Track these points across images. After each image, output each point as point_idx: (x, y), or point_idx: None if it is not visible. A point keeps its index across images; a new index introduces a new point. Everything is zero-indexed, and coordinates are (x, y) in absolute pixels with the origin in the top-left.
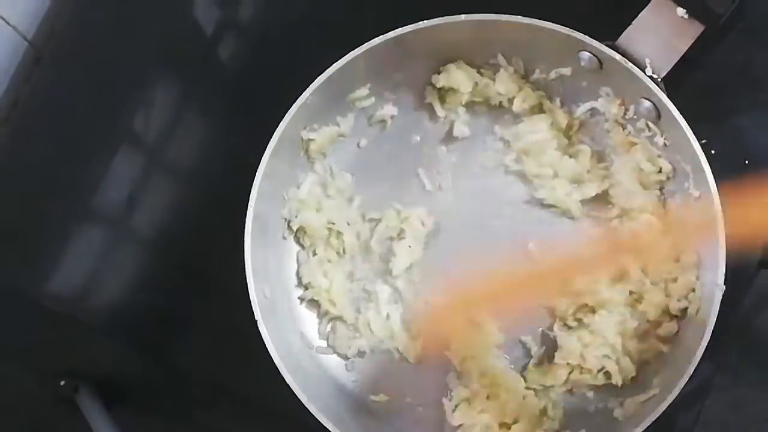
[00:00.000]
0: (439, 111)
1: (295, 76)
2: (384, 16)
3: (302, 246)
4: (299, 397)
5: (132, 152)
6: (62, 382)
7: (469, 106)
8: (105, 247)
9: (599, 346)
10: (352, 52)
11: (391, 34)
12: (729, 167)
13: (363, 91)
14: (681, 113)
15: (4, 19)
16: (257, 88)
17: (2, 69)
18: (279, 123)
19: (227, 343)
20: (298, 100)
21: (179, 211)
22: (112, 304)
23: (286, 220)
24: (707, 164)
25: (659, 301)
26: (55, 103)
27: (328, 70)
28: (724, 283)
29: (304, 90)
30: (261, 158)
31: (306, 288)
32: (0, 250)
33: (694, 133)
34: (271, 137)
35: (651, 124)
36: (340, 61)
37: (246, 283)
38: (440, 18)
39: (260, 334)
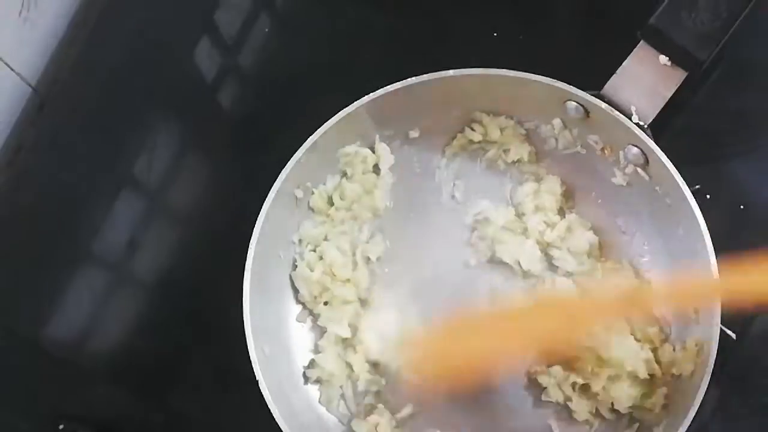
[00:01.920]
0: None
1: (296, 122)
2: (382, 65)
3: (302, 304)
4: None
5: (133, 197)
6: (61, 426)
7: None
8: (105, 291)
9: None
10: (332, 118)
11: (380, 91)
12: (724, 212)
13: (352, 148)
14: (675, 158)
15: (8, 65)
16: (258, 133)
17: (6, 114)
18: (280, 169)
19: (227, 388)
20: (290, 160)
21: (180, 256)
22: (112, 348)
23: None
24: (697, 207)
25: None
26: (57, 149)
27: (317, 130)
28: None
29: (305, 137)
30: (262, 202)
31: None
32: (0, 294)
33: (688, 178)
34: (271, 181)
35: (640, 170)
36: (325, 124)
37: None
38: (428, 74)
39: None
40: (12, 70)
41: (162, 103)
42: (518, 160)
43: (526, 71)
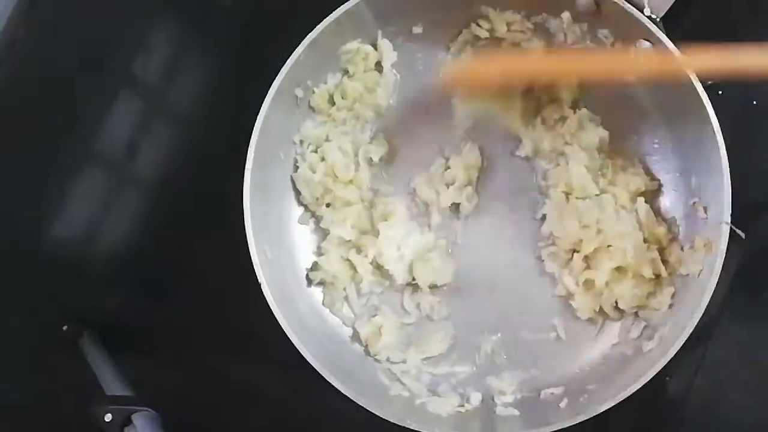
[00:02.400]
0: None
1: (296, 19)
2: None
3: (305, 206)
4: (305, 356)
5: (132, 96)
6: (65, 327)
7: None
8: (106, 193)
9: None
10: (331, 14)
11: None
12: (736, 109)
13: (353, 45)
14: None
15: None
16: (258, 30)
17: None
18: (280, 67)
19: (230, 288)
20: (289, 58)
21: (180, 156)
22: (114, 248)
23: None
24: (708, 102)
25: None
26: (52, 46)
27: (316, 27)
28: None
29: (305, 33)
30: (262, 101)
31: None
32: (1, 196)
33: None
34: (271, 80)
35: None
36: (325, 20)
37: (246, 234)
38: None
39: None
40: None
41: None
42: None
43: None
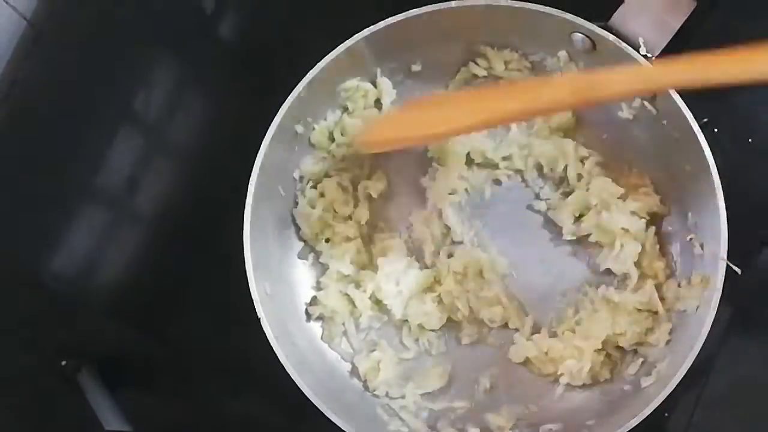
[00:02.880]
0: None
1: (296, 56)
2: None
3: (304, 241)
4: (304, 391)
5: (132, 131)
6: (64, 362)
7: None
8: (106, 227)
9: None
10: (332, 52)
11: (381, 24)
12: (732, 147)
13: (353, 82)
14: (682, 91)
15: None
16: (258, 67)
17: (1, 48)
18: (281, 104)
19: (227, 322)
20: (290, 95)
21: (180, 191)
22: (114, 283)
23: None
24: (704, 141)
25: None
26: (54, 83)
27: (317, 65)
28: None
29: (305, 71)
30: (262, 137)
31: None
32: (1, 229)
33: (696, 111)
34: (271, 116)
35: (647, 103)
36: (325, 58)
37: (246, 269)
38: (429, 6)
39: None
40: (7, 3)
41: (160, 35)
42: None
43: (531, 2)
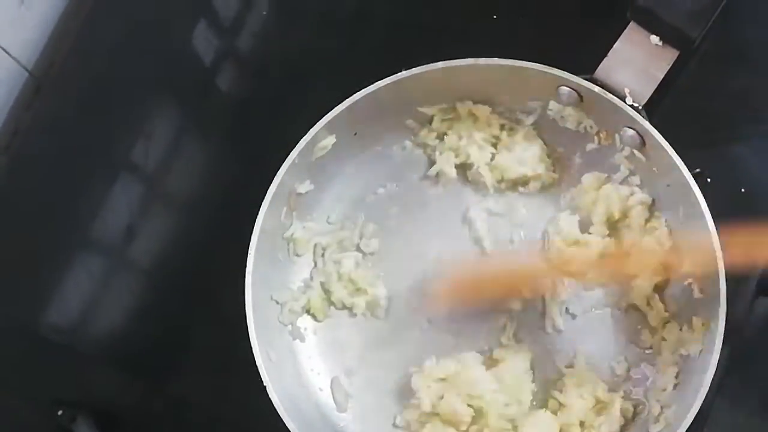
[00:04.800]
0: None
1: (293, 106)
2: (381, 51)
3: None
4: None
5: (131, 181)
6: (60, 412)
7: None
8: (103, 276)
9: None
10: (323, 118)
11: (371, 88)
12: (725, 196)
13: (330, 140)
14: (674, 141)
15: (4, 49)
16: (257, 118)
17: (2, 99)
18: (280, 154)
19: (226, 374)
20: (286, 160)
21: (178, 241)
22: (111, 333)
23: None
24: (695, 185)
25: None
26: (54, 133)
27: (311, 131)
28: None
29: (303, 120)
30: (261, 189)
31: None
32: None
33: (688, 162)
34: (271, 168)
35: (637, 152)
36: (319, 122)
37: (245, 316)
38: (420, 67)
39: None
40: (8, 54)
41: (159, 87)
42: None
43: (513, 58)
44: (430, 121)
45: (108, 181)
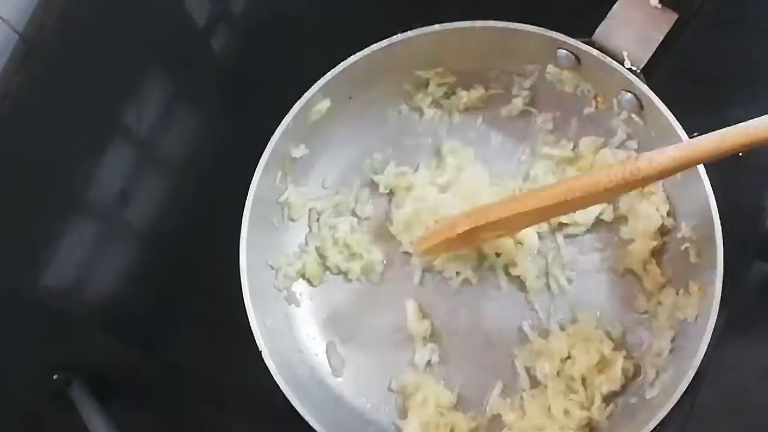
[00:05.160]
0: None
1: (287, 69)
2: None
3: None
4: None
5: (124, 146)
6: (55, 376)
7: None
8: (98, 242)
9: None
10: (317, 82)
11: (366, 51)
12: (722, 160)
13: (325, 104)
14: (671, 105)
15: None
16: (250, 81)
17: None
18: (273, 117)
19: (220, 337)
20: (281, 124)
21: (172, 206)
22: (106, 298)
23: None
24: None
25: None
26: (45, 97)
27: (305, 94)
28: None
29: (296, 84)
30: (255, 153)
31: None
32: None
33: (686, 125)
34: (266, 132)
35: (635, 116)
36: (314, 86)
37: (239, 279)
38: (416, 30)
39: (251, 324)
40: None
41: (151, 49)
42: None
43: (512, 21)
44: (426, 85)
45: (101, 146)
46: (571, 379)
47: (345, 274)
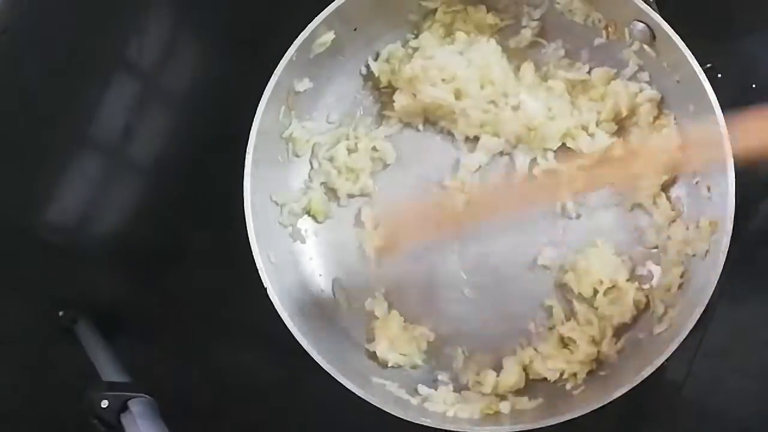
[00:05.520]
0: None
1: (290, 1)
2: None
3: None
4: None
5: (127, 80)
6: (61, 313)
7: None
8: (101, 177)
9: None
10: (320, 13)
11: None
12: (735, 91)
13: (329, 36)
14: (685, 35)
15: None
16: (253, 12)
17: None
18: (278, 50)
19: (226, 275)
20: (284, 56)
21: (176, 141)
22: (110, 234)
23: None
24: (706, 80)
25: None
26: (45, 29)
27: (308, 26)
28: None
29: (301, 16)
30: (259, 86)
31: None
32: None
33: (698, 56)
34: (269, 65)
35: (647, 47)
36: (317, 17)
37: (244, 215)
38: None
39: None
40: None
41: None
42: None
43: None
44: (434, 12)
45: (103, 79)
46: (582, 302)
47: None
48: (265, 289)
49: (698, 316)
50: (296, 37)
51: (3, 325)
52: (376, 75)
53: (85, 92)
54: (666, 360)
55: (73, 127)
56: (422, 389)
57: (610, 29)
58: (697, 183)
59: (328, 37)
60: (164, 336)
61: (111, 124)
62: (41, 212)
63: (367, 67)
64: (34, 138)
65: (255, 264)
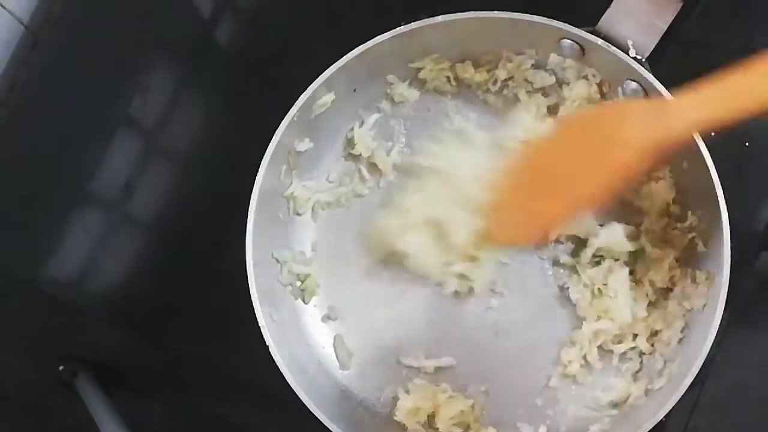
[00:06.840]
0: None
1: (291, 62)
2: (381, 4)
3: None
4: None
5: (129, 136)
6: (61, 367)
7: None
8: (102, 232)
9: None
10: (321, 75)
11: (369, 43)
12: (729, 149)
13: (329, 97)
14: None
15: (0, 3)
16: (256, 73)
17: None
18: (279, 109)
19: (225, 328)
20: (285, 117)
21: (177, 196)
22: (110, 288)
23: None
24: (701, 139)
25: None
26: (51, 88)
27: (309, 87)
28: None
29: (302, 76)
30: (260, 145)
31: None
32: None
33: None
34: (270, 125)
35: None
36: (318, 79)
37: (245, 271)
38: (419, 21)
39: (257, 317)
40: (4, 8)
41: (157, 40)
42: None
43: (514, 11)
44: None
45: (106, 136)
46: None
47: None
48: (267, 346)
49: (697, 371)
50: (297, 97)
51: (3, 379)
52: (355, 143)
53: (87, 148)
54: (665, 416)
55: (75, 183)
56: None
57: (603, 88)
58: (692, 238)
59: (329, 98)
60: (165, 391)
61: (113, 180)
62: (42, 266)
63: None
64: (35, 193)
65: (257, 321)
